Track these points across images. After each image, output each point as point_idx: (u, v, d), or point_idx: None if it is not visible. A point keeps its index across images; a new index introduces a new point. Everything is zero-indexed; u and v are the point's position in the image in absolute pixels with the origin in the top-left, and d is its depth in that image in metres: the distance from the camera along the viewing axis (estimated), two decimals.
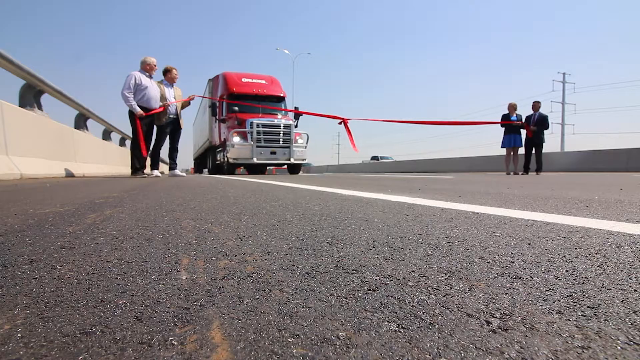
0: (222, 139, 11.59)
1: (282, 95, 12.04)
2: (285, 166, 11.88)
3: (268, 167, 14.39)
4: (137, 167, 6.59)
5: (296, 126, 11.12)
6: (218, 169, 13.26)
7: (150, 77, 6.54)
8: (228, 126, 10.97)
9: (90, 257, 0.78)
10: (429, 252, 0.81)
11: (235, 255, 0.80)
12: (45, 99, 6.36)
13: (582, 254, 0.79)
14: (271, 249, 0.86)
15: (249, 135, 10.41)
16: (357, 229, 1.09)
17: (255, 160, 10.47)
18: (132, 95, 6.22)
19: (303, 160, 11.35)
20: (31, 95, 5.94)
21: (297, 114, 11.20)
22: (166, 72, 7.00)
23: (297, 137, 11.01)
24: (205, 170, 18.57)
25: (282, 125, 10.86)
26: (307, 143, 11.54)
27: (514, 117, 8.90)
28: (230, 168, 10.85)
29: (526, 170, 9.02)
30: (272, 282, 0.62)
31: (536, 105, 8.82)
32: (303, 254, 0.81)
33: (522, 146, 8.99)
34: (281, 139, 10.83)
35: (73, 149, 7.02)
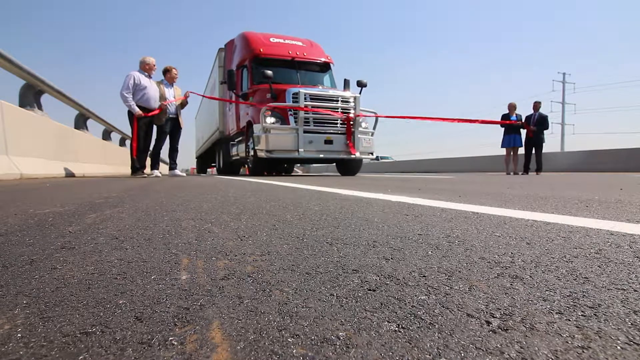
0: (244, 124, 7.93)
1: (327, 61, 8.40)
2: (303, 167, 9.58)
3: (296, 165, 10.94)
4: (136, 167, 6.59)
5: None
6: (232, 168, 10.00)
7: (150, 77, 6.53)
8: (255, 102, 7.40)
9: (90, 257, 0.78)
10: (429, 252, 0.81)
11: (235, 255, 0.80)
12: (45, 99, 6.36)
13: (582, 254, 0.79)
14: (271, 249, 0.86)
15: (290, 115, 6.88)
16: (357, 229, 1.09)
17: (302, 152, 6.78)
18: (131, 96, 6.22)
19: (370, 154, 7.57)
20: (31, 95, 5.94)
21: (350, 85, 7.90)
22: (165, 72, 7.00)
23: (359, 119, 7.34)
24: (210, 170, 14.97)
25: (340, 98, 7.13)
26: (374, 128, 7.73)
27: (513, 117, 8.91)
28: (258, 166, 7.23)
29: (526, 170, 9.02)
30: (272, 282, 0.62)
31: (537, 105, 8.83)
32: (303, 254, 0.81)
33: (522, 146, 8.99)
34: (340, 121, 7.19)
35: (73, 149, 7.02)
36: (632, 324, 0.46)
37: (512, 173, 8.96)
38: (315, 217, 1.33)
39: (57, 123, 6.41)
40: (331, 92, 7.33)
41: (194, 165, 21.03)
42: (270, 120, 6.84)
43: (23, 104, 5.78)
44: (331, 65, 8.59)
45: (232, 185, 3.57)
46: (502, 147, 9.13)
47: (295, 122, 6.86)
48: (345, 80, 8.42)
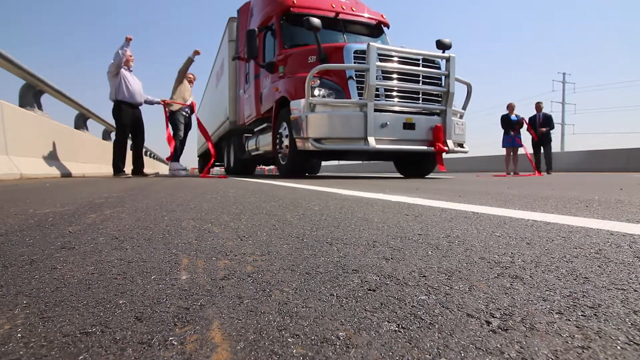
0: (267, 107, 5.76)
1: (382, 20, 6.19)
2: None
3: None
4: (141, 164, 6.61)
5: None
6: (247, 167, 8.31)
7: (130, 70, 6.34)
8: (288, 72, 5.17)
9: (90, 257, 0.78)
10: (429, 252, 0.81)
11: (235, 255, 0.80)
12: (45, 99, 6.36)
13: (582, 254, 0.79)
14: (271, 249, 0.86)
15: (351, 84, 4.47)
16: (357, 229, 1.09)
17: (372, 143, 4.36)
18: (117, 70, 5.99)
19: (461, 144, 5.28)
20: (31, 95, 5.94)
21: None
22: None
23: (452, 92, 4.88)
24: (217, 169, 12.75)
25: (421, 59, 4.76)
26: (465, 108, 5.50)
27: (513, 117, 8.90)
28: (297, 162, 5.07)
29: (549, 169, 8.83)
30: (272, 282, 0.62)
31: (539, 106, 8.82)
32: (303, 254, 0.81)
33: (522, 146, 8.98)
34: (421, 95, 4.77)
35: (73, 149, 7.02)
36: (632, 324, 0.46)
37: (512, 173, 8.95)
38: (315, 217, 1.33)
39: (57, 123, 6.42)
40: (411, 49, 4.77)
41: (195, 165, 20.27)
42: (320, 92, 4.41)
43: (23, 104, 5.79)
44: (384, 27, 6.27)
45: (232, 185, 3.57)
46: (502, 146, 9.12)
47: (360, 94, 4.38)
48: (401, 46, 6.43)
